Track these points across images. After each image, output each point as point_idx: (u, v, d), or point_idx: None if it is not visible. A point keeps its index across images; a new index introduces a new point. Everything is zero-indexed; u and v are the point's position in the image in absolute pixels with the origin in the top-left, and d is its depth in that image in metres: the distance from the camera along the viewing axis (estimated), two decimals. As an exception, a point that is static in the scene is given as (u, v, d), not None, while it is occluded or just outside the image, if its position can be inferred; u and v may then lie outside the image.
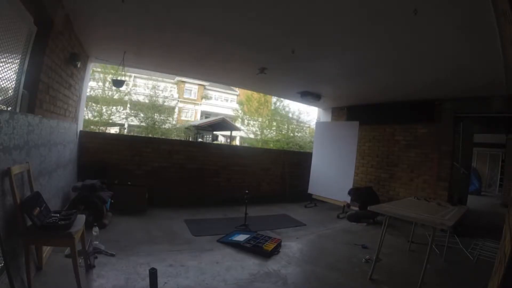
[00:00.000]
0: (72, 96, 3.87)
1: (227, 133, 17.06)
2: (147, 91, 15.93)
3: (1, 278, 1.66)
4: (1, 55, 2.03)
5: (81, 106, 4.52)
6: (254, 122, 17.38)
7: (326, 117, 7.22)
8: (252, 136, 17.50)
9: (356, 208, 4.99)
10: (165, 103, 15.49)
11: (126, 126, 16.37)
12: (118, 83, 4.77)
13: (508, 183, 8.72)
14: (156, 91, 15.51)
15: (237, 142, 19.82)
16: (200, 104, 23.55)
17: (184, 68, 5.24)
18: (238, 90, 24.26)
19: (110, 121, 13.23)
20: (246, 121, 18.10)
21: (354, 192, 5.06)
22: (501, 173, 10.88)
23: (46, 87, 2.79)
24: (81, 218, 2.14)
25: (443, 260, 3.16)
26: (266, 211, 5.00)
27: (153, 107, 14.52)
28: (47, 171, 2.60)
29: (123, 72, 4.93)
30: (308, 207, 5.64)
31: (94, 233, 2.58)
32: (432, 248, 2.34)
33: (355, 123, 5.79)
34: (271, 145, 15.15)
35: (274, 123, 17.05)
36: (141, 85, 17.91)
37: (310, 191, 5.86)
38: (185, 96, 22.92)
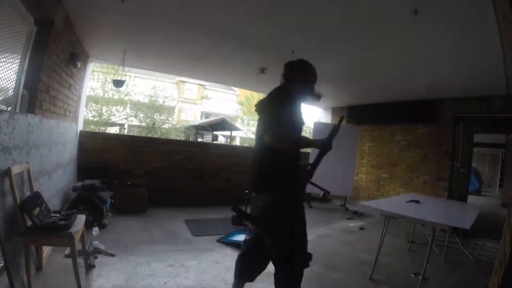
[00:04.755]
0: (72, 96, 3.87)
1: (227, 133, 17.07)
2: (147, 91, 15.94)
3: (1, 278, 1.66)
4: (1, 55, 2.03)
5: (81, 106, 4.52)
6: (254, 122, 17.39)
7: (326, 117, 7.22)
8: (252, 136, 17.50)
9: None
10: (165, 103, 15.49)
11: (126, 126, 16.38)
12: (118, 83, 4.78)
13: (508, 183, 8.73)
14: (156, 91, 15.51)
15: (237, 142, 19.83)
16: (200, 104, 23.54)
17: (184, 68, 5.25)
18: (238, 90, 24.23)
19: (110, 121, 13.24)
20: (246, 121, 18.11)
21: None
22: (501, 173, 10.88)
23: (46, 87, 2.79)
24: (81, 218, 2.13)
25: (443, 260, 3.16)
26: (266, 211, 4.99)
27: (153, 107, 14.53)
28: (47, 171, 2.59)
29: (123, 72, 4.92)
30: (313, 207, 5.66)
31: (94, 233, 2.57)
32: (432, 248, 2.33)
33: (355, 127, 5.91)
34: (271, 145, 15.12)
35: (274, 123, 17.02)
36: (141, 85, 17.93)
37: (308, 190, 5.87)
38: (185, 96, 22.91)
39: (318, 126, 6.32)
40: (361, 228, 4.36)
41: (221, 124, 15.11)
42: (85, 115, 7.83)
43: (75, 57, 3.49)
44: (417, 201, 2.93)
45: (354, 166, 5.90)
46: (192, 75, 6.64)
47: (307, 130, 18.31)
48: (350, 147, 5.76)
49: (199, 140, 16.62)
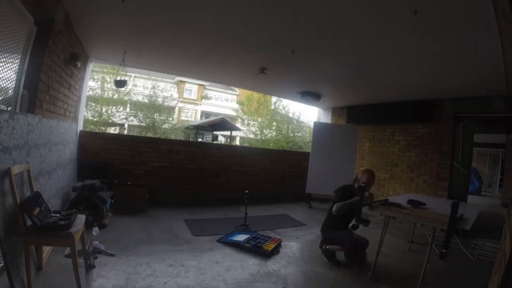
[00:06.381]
0: (72, 96, 3.87)
1: (227, 133, 17.08)
2: (147, 91, 15.95)
3: (1, 278, 1.66)
4: (1, 55, 2.03)
5: (81, 106, 4.52)
6: (254, 122, 17.38)
7: (326, 117, 7.22)
8: (252, 136, 17.50)
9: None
10: (165, 103, 15.48)
11: (126, 126, 16.38)
12: (120, 84, 4.77)
13: (508, 183, 8.72)
14: (156, 91, 15.50)
15: (237, 142, 19.82)
16: (200, 104, 23.54)
17: (184, 68, 5.25)
18: (238, 90, 24.25)
19: (110, 121, 13.23)
20: (246, 121, 18.09)
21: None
22: (501, 173, 10.88)
23: (46, 87, 2.79)
24: (81, 218, 2.13)
25: (443, 260, 3.16)
26: (266, 211, 4.99)
27: (153, 107, 14.52)
28: (47, 171, 2.59)
29: (124, 72, 4.91)
30: (313, 207, 5.67)
31: (94, 233, 2.57)
32: (432, 248, 2.33)
33: (355, 127, 5.91)
34: (271, 145, 15.15)
35: (274, 123, 17.05)
36: (141, 85, 17.94)
37: (308, 190, 5.87)
38: (185, 96, 22.93)
39: (318, 125, 6.33)
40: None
41: (221, 124, 15.12)
42: (85, 115, 7.82)
43: (75, 57, 3.49)
44: (417, 201, 2.92)
45: (354, 166, 5.88)
46: (192, 75, 6.64)
47: (308, 130, 18.32)
48: (350, 147, 5.77)
49: (199, 140, 16.64)
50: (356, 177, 2.95)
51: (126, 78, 5.55)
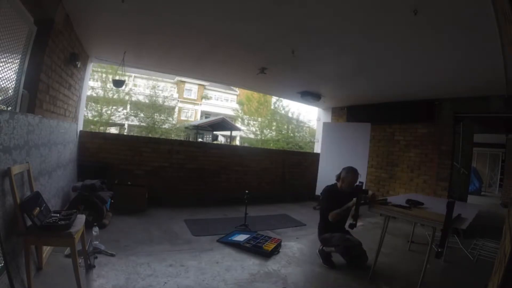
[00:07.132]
0: (72, 96, 3.87)
1: (227, 133, 17.09)
2: (147, 91, 15.97)
3: (1, 278, 1.66)
4: (1, 55, 2.03)
5: (81, 106, 4.53)
6: (254, 122, 17.41)
7: (326, 117, 7.22)
8: (252, 136, 17.52)
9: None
10: (165, 103, 15.51)
11: (126, 126, 16.40)
12: (118, 83, 4.77)
13: (508, 183, 8.73)
14: (156, 91, 15.52)
15: (237, 142, 19.84)
16: (200, 104, 23.56)
17: (184, 68, 5.25)
18: (238, 90, 24.27)
19: (110, 121, 13.25)
20: (246, 121, 18.12)
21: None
22: (501, 173, 10.88)
23: (46, 87, 2.79)
24: (81, 218, 2.13)
25: (443, 260, 3.16)
26: (266, 211, 5.00)
27: (153, 107, 14.55)
28: (47, 171, 2.59)
29: (124, 72, 4.91)
30: (317, 208, 5.66)
31: (94, 233, 2.57)
32: (432, 248, 2.34)
33: (366, 124, 5.80)
34: (271, 145, 15.16)
35: (274, 123, 17.06)
36: (141, 85, 17.95)
37: (318, 192, 5.81)
38: (185, 96, 22.95)
39: (328, 126, 6.26)
40: (362, 228, 4.35)
41: (221, 124, 15.13)
42: (85, 115, 7.82)
43: (75, 57, 3.49)
44: (415, 201, 2.92)
45: (366, 165, 5.66)
46: (192, 75, 6.64)
47: (308, 130, 18.31)
48: (362, 146, 5.65)
49: (199, 140, 16.65)
50: (340, 176, 2.98)
51: (125, 78, 5.53)
